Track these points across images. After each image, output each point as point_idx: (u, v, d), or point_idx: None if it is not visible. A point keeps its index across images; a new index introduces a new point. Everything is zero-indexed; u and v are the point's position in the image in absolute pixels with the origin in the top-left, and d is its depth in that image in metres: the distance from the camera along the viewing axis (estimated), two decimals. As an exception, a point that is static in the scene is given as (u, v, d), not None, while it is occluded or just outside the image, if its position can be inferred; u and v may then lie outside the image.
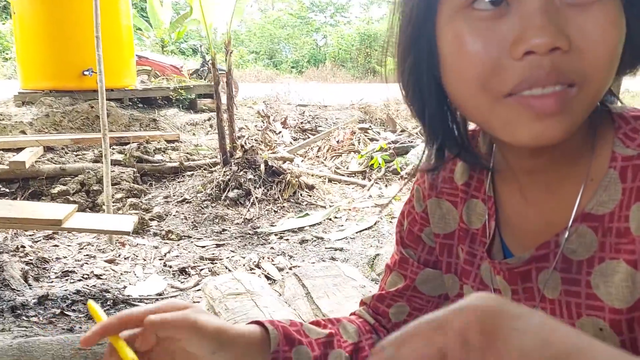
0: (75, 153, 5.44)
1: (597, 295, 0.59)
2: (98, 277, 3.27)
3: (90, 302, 0.63)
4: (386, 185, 5.08)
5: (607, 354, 0.36)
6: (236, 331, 0.66)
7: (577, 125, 0.53)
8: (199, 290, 3.13)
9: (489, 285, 0.70)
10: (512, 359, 0.30)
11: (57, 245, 3.73)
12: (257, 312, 1.57)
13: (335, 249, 3.74)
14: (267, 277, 3.23)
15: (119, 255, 3.60)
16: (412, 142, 5.76)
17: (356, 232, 4.05)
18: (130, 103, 7.35)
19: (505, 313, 0.34)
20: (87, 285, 3.11)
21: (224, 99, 5.13)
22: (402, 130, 6.41)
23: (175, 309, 0.63)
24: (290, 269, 3.42)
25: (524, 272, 0.64)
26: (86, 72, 6.56)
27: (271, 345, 0.68)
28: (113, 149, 5.34)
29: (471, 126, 0.69)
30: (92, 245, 3.75)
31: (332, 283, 1.70)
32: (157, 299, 2.98)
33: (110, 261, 3.50)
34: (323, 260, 3.50)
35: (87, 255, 3.59)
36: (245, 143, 5.10)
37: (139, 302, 2.93)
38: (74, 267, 3.38)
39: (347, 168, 5.60)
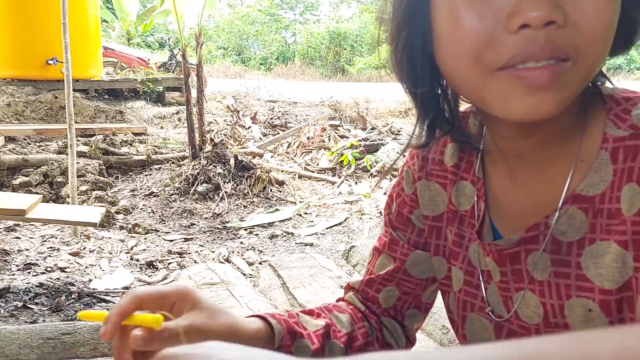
0: (38, 144, 5.29)
1: (587, 277, 0.59)
2: (62, 270, 3.18)
3: (81, 313, 0.59)
4: (356, 183, 5.10)
5: None
6: (244, 330, 0.64)
7: (570, 101, 0.53)
8: (167, 284, 3.08)
9: (477, 266, 0.70)
10: None
11: (19, 237, 3.61)
12: (232, 301, 1.55)
13: (306, 244, 3.73)
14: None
15: (84, 248, 3.51)
16: (382, 140, 5.80)
17: (326, 228, 4.05)
18: (96, 94, 7.18)
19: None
20: (51, 279, 3.02)
21: (193, 92, 5.06)
22: (373, 128, 6.45)
23: (182, 295, 0.60)
24: (260, 263, 3.39)
25: (513, 254, 0.65)
26: (50, 61, 6.38)
27: (276, 341, 0.67)
28: (78, 140, 5.21)
29: (462, 107, 0.69)
30: (56, 238, 3.65)
31: (308, 274, 1.69)
32: (123, 293, 2.92)
33: (75, 254, 3.41)
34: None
35: (50, 247, 3.49)
36: (215, 137, 5.04)
37: (105, 295, 2.86)
38: (37, 260, 3.28)
39: (317, 165, 5.60)
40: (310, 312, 0.76)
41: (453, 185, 0.73)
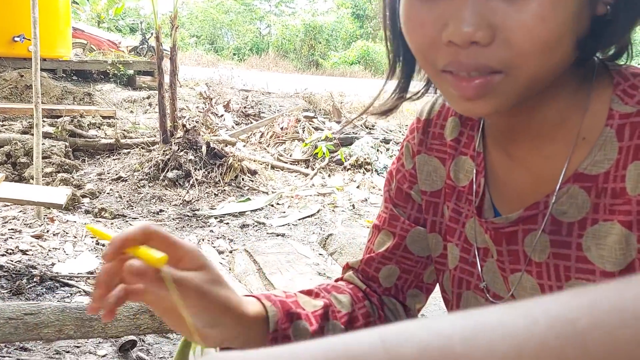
0: (1, 123, 5.10)
1: (587, 258, 0.57)
2: (24, 252, 3.06)
3: (89, 225, 0.55)
4: (329, 175, 5.07)
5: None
6: (244, 311, 0.60)
7: (511, 104, 0.54)
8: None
9: (473, 243, 0.69)
10: None
11: (-22, 218, 3.46)
12: (207, 286, 1.51)
13: (277, 235, 3.68)
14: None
15: (48, 231, 3.39)
16: (356, 133, 5.79)
17: (298, 219, 4.01)
18: (64, 75, 6.97)
19: None
20: (12, 261, 2.91)
21: (166, 77, 4.95)
22: (347, 122, 6.43)
23: (193, 254, 0.57)
24: (230, 252, 3.34)
25: (510, 233, 0.63)
26: (17, 38, 6.15)
27: (270, 325, 0.63)
28: (44, 121, 5.03)
29: None
30: (18, 220, 3.52)
31: (284, 260, 1.65)
32: (88, 278, 2.83)
33: (38, 237, 3.29)
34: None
35: (12, 229, 3.36)
36: (187, 123, 4.94)
37: (68, 279, 2.76)
38: (-3, 241, 3.15)
39: (290, 156, 5.55)
40: (308, 292, 0.73)
41: (452, 160, 0.72)
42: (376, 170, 4.99)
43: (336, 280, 0.82)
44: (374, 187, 4.71)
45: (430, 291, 0.80)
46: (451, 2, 0.51)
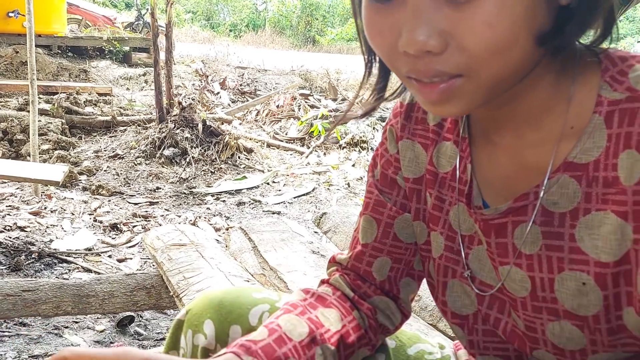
0: (-4, 99, 5.08)
1: (581, 249, 0.56)
2: (22, 229, 3.09)
3: None
4: (325, 154, 5.09)
5: None
6: None
7: (480, 103, 0.54)
8: (132, 246, 3.03)
9: (457, 231, 0.67)
10: None
11: (-24, 195, 3.48)
12: (202, 262, 1.54)
13: (273, 213, 3.72)
14: (204, 236, 3.17)
15: (45, 208, 3.41)
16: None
17: (294, 197, 4.05)
18: (59, 51, 6.92)
19: None
20: (10, 237, 2.93)
21: (161, 54, 4.92)
22: (343, 99, 6.42)
23: None
24: (227, 229, 3.37)
25: (499, 225, 0.62)
26: (11, 14, 6.09)
27: None
28: (40, 98, 5.02)
29: None
30: (16, 197, 3.54)
31: (279, 238, 1.68)
32: (86, 254, 2.86)
33: (36, 213, 3.32)
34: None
35: (9, 206, 3.38)
36: (183, 101, 4.93)
37: (66, 256, 2.80)
38: (-5, 218, 3.17)
39: (286, 134, 5.55)
40: (294, 306, 0.71)
41: (434, 146, 0.70)
42: (372, 149, 5.01)
43: (321, 283, 0.80)
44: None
45: (421, 279, 0.78)
46: (404, 10, 0.50)
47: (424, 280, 0.78)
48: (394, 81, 0.65)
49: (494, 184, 0.64)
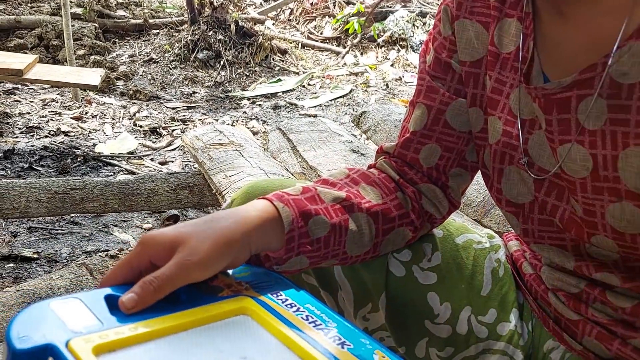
0: (29, 5, 5.03)
1: None
2: (65, 134, 3.16)
3: None
4: (362, 53, 4.93)
5: None
6: (247, 235, 0.57)
7: None
8: (173, 150, 3.08)
9: (517, 115, 0.64)
10: None
11: (19, 101, 3.55)
12: (243, 161, 1.54)
13: (309, 116, 3.69)
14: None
15: (86, 113, 3.46)
16: (391, 7, 5.52)
17: (330, 100, 3.99)
18: (86, -48, 6.71)
19: None
20: (55, 142, 3.01)
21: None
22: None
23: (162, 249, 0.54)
24: (264, 132, 3.38)
25: (562, 100, 0.58)
26: None
27: (285, 227, 0.60)
28: (71, 1, 4.94)
29: None
30: (57, 102, 3.59)
31: (318, 137, 1.66)
32: (128, 158, 2.93)
33: (77, 118, 3.38)
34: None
35: (51, 111, 3.45)
36: (214, 0, 4.79)
37: (110, 159, 2.87)
38: (39, 123, 3.25)
39: (320, 33, 5.38)
40: (332, 184, 0.69)
41: (496, 24, 0.66)
42: (412, 47, 4.82)
43: (368, 167, 0.78)
44: (409, 65, 4.58)
45: (474, 170, 0.75)
46: None
47: None
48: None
49: (558, 60, 0.61)
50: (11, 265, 1.90)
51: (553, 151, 0.62)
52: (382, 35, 4.94)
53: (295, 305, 0.53)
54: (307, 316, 0.52)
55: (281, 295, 0.55)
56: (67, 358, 0.43)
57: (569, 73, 0.58)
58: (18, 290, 1.28)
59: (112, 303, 0.50)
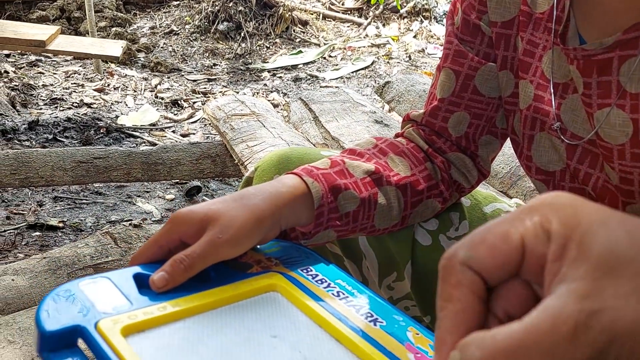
0: (50, -24, 5.03)
1: None
2: (88, 105, 3.18)
3: None
4: (384, 25, 4.85)
5: None
6: (277, 211, 0.57)
7: None
8: (194, 122, 3.09)
9: (550, 78, 0.62)
10: (597, 250, 0.25)
11: (42, 73, 3.58)
12: (265, 132, 1.53)
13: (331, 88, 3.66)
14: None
15: (108, 85, 3.48)
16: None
17: (352, 72, 3.94)
18: None
19: (586, 206, 0.27)
20: (78, 113, 3.04)
21: None
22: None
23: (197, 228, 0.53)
24: (285, 104, 3.36)
25: (603, 61, 0.55)
26: None
27: (315, 202, 0.59)
28: (91, -27, 4.94)
29: None
30: (79, 74, 3.61)
31: (340, 108, 1.64)
32: (150, 130, 2.94)
33: (100, 90, 3.39)
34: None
35: (74, 83, 3.47)
36: (235, -29, 4.73)
37: (132, 131, 2.88)
38: (62, 95, 3.27)
39: (342, 4, 5.30)
40: (359, 154, 0.67)
41: None
42: (435, 18, 4.72)
43: (395, 136, 0.76)
44: (432, 37, 4.50)
45: (504, 137, 0.74)
46: None
47: None
48: None
49: (597, 19, 0.58)
50: (37, 233, 1.93)
51: (589, 116, 0.59)
52: (405, 6, 4.84)
53: (325, 281, 0.53)
54: (338, 292, 0.51)
55: (311, 270, 0.54)
56: (96, 340, 0.43)
57: (608, 33, 0.55)
58: (44, 258, 1.31)
59: (141, 282, 0.50)
